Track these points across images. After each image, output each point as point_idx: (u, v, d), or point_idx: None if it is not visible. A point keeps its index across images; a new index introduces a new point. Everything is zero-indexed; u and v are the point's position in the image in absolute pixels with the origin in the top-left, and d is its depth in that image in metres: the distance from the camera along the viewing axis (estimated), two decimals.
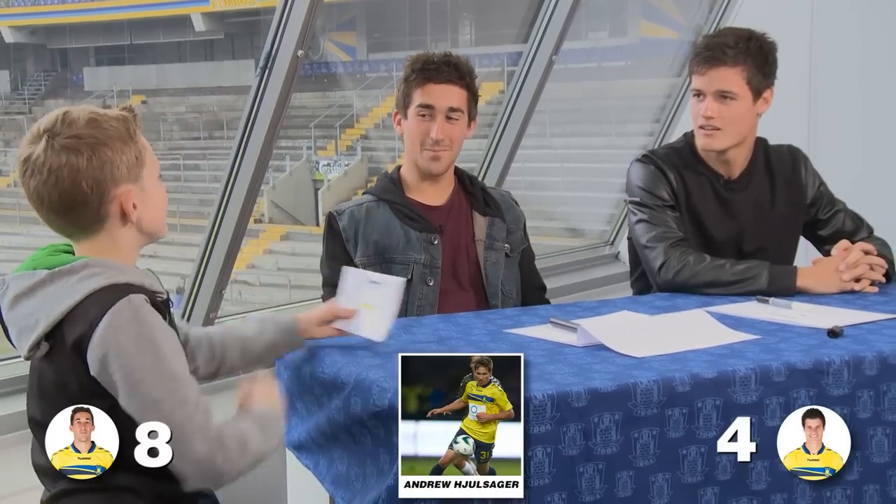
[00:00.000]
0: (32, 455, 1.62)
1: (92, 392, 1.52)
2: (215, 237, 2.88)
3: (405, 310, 2.24)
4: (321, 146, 19.25)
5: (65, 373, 1.52)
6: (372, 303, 1.83)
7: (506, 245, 2.41)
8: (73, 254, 1.60)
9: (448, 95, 2.32)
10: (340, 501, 1.77)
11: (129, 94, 22.29)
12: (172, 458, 1.50)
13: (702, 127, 2.38)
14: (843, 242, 2.34)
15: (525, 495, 1.56)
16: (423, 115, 2.32)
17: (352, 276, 1.90)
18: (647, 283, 2.51)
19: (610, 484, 1.61)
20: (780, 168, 2.48)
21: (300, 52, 2.76)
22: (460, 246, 2.38)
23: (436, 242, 2.33)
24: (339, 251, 2.33)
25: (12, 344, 1.59)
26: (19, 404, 2.46)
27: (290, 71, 2.78)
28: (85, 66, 24.07)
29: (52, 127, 1.53)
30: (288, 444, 2.03)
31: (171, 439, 1.49)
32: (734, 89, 2.34)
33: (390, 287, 1.83)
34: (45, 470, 1.60)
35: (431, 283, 2.31)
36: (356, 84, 20.84)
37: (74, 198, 1.53)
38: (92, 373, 1.50)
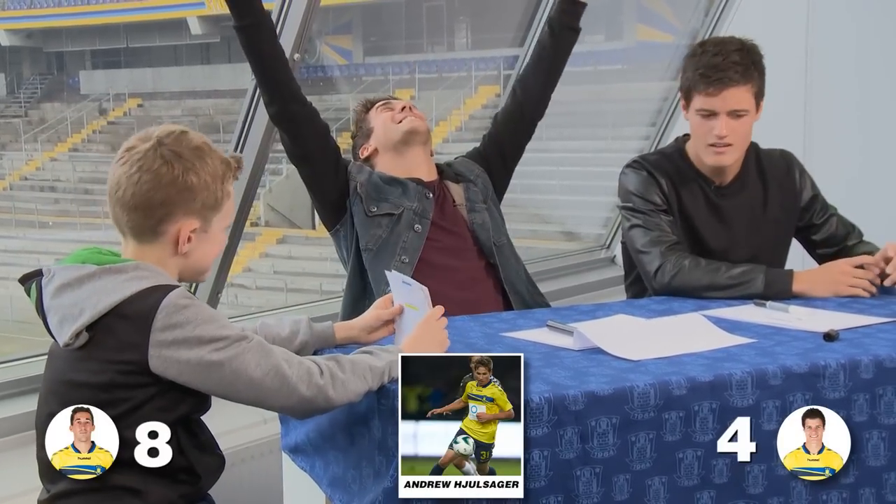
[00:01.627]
0: (40, 453, 1.62)
1: (126, 384, 1.54)
2: None
3: (389, 251, 2.35)
4: None
5: (103, 364, 1.54)
6: (415, 304, 1.83)
7: (483, 204, 2.51)
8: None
9: (398, 99, 2.60)
10: (338, 503, 1.77)
11: (126, 98, 22.31)
12: (274, 402, 1.59)
13: (713, 145, 2.36)
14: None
15: (521, 498, 1.56)
16: (386, 108, 2.54)
17: (392, 278, 1.92)
18: (642, 287, 2.51)
19: (607, 487, 1.61)
20: (772, 172, 2.49)
21: (296, 56, 2.75)
22: (446, 213, 2.46)
23: (429, 196, 2.44)
24: (337, 158, 2.44)
25: (49, 332, 1.60)
26: (17, 407, 2.46)
27: None
28: (81, 70, 24.07)
29: (165, 136, 1.60)
30: (284, 447, 2.03)
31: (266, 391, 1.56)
32: (746, 106, 2.34)
33: (422, 291, 1.81)
34: (50, 467, 1.60)
35: (419, 230, 2.38)
36: (352, 87, 20.84)
37: (143, 202, 1.58)
38: (153, 363, 1.52)
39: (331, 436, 1.81)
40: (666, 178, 2.43)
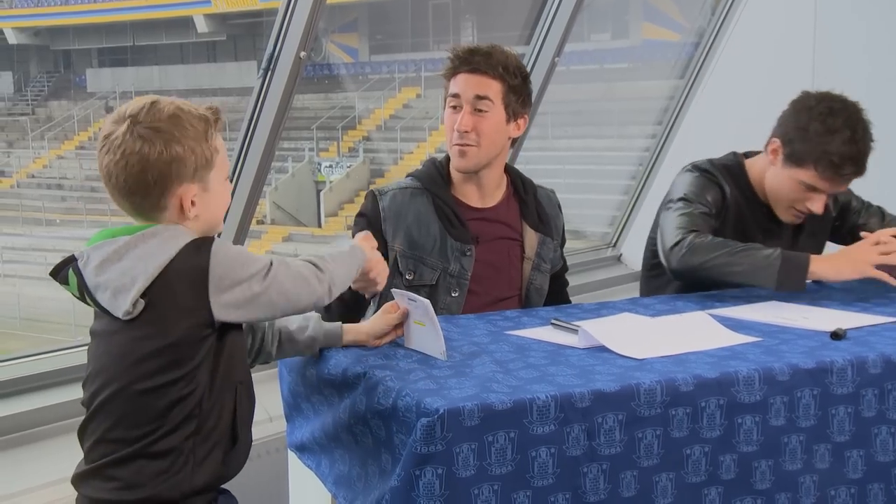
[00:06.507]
0: (97, 426, 1.62)
1: (193, 340, 1.56)
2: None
3: None
4: (323, 147, 19.27)
5: (166, 326, 1.55)
6: (422, 320, 1.83)
7: (548, 265, 2.35)
8: None
9: (472, 84, 2.21)
10: (342, 501, 1.77)
11: (132, 96, 22.23)
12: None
13: (798, 210, 2.42)
14: (881, 233, 2.29)
15: (529, 496, 1.56)
16: (451, 108, 2.23)
17: (398, 296, 1.90)
18: (657, 285, 2.51)
19: (614, 484, 1.61)
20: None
21: (302, 54, 2.76)
22: (499, 256, 2.28)
23: (469, 254, 2.24)
24: (373, 231, 2.18)
25: (102, 309, 1.59)
26: (26, 404, 2.46)
27: (293, 72, 2.78)
28: (88, 68, 24.13)
29: (136, 113, 1.59)
30: (290, 445, 2.03)
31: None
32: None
33: (426, 306, 1.81)
34: (107, 438, 1.60)
35: (456, 294, 2.23)
36: (358, 86, 20.85)
37: (138, 185, 1.59)
38: (215, 311, 1.55)
39: (335, 435, 1.81)
40: (729, 188, 2.43)
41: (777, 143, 2.38)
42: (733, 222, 2.42)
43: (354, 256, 1.79)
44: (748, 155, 2.55)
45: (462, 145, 2.22)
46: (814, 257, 2.24)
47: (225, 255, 1.58)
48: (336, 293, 1.70)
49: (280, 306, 1.64)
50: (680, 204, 2.38)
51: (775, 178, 2.40)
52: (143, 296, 1.55)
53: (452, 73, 2.24)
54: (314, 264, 1.68)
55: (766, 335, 1.94)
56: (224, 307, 1.57)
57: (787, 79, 4.37)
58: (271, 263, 1.62)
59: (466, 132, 2.21)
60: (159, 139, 1.57)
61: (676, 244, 2.26)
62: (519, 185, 2.35)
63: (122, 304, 1.55)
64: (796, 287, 2.19)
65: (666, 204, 2.44)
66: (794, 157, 2.34)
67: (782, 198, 2.40)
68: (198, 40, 22.80)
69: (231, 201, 1.74)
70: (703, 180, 2.43)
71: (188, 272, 1.56)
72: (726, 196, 2.42)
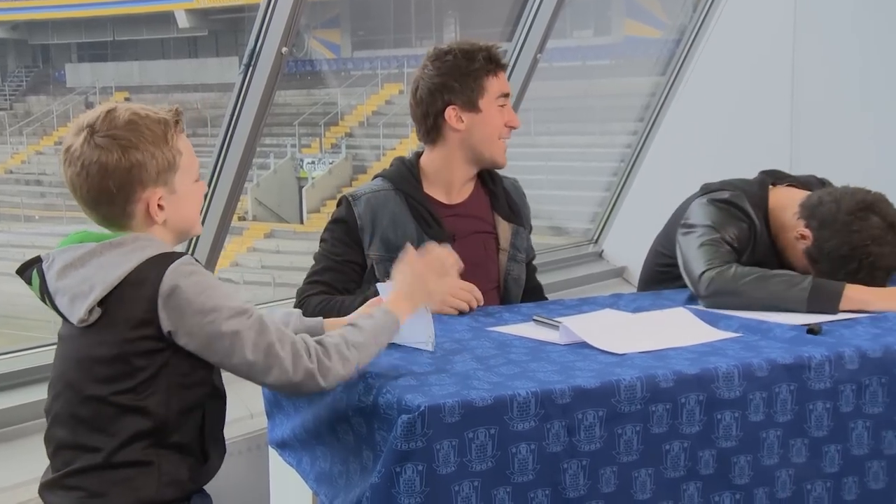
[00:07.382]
0: (54, 432, 1.62)
1: (142, 352, 1.55)
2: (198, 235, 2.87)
3: None
4: (305, 144, 19.22)
5: (117, 335, 1.55)
6: None
7: (523, 255, 2.36)
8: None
9: (506, 83, 2.32)
10: (324, 499, 1.77)
11: (112, 91, 22.20)
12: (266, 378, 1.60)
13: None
14: None
15: (509, 492, 1.57)
16: (504, 107, 2.29)
17: (382, 290, 1.89)
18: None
19: (594, 480, 1.61)
20: None
21: (284, 50, 2.75)
22: (475, 251, 2.28)
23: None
24: (350, 240, 2.23)
25: (60, 314, 1.60)
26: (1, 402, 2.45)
27: (275, 68, 2.77)
28: (67, 63, 23.93)
29: (93, 122, 1.60)
30: (271, 442, 2.03)
31: (258, 363, 1.57)
32: None
33: None
34: (68, 445, 1.60)
35: None
36: (341, 82, 20.80)
37: (101, 194, 1.59)
38: (164, 326, 1.54)
39: (316, 432, 1.81)
40: (759, 223, 2.35)
41: (809, 237, 2.25)
42: (757, 255, 2.33)
43: (391, 328, 1.71)
44: (776, 178, 2.45)
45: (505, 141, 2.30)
46: (848, 287, 2.13)
47: (186, 277, 1.55)
48: (328, 388, 1.63)
49: (236, 366, 1.58)
50: (703, 230, 2.30)
51: (794, 250, 2.31)
52: (100, 304, 1.55)
53: (494, 72, 2.27)
54: (308, 349, 1.60)
55: (745, 330, 1.96)
56: (173, 324, 1.54)
57: (768, 75, 4.39)
58: (242, 314, 1.57)
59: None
60: (116, 146, 1.57)
61: (703, 273, 2.20)
62: (486, 178, 2.36)
63: (78, 312, 1.56)
64: (828, 308, 2.09)
65: (689, 227, 2.35)
66: (816, 264, 2.25)
67: (793, 265, 2.32)
68: (179, 35, 22.67)
69: (205, 201, 1.70)
70: (729, 213, 2.34)
71: (142, 283, 1.55)
72: (756, 233, 2.34)
